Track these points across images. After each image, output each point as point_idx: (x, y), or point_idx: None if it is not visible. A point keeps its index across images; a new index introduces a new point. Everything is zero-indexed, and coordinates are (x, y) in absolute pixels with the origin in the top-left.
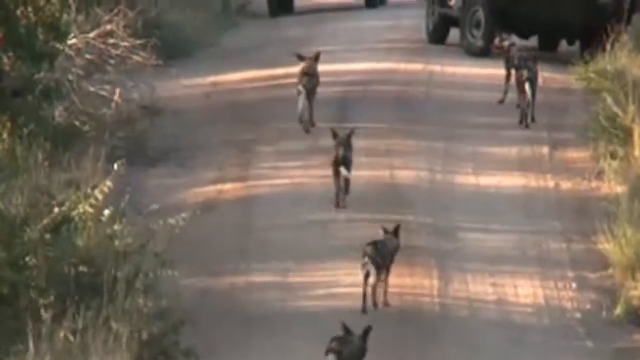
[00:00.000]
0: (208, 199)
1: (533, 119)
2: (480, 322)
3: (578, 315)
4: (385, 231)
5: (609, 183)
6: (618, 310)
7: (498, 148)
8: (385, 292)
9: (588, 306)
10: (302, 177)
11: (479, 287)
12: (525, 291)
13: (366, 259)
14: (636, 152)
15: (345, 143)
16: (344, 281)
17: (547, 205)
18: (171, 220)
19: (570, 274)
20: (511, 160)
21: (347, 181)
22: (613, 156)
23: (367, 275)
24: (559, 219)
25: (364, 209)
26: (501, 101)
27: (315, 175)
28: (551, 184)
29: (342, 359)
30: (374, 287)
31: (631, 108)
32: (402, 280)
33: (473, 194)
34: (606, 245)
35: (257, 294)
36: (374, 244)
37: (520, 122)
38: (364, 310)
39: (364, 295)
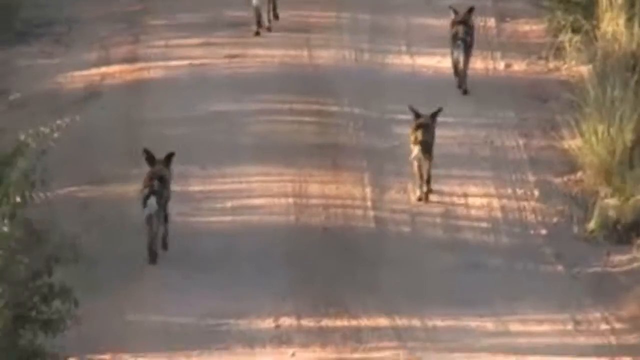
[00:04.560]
0: (90, 84)
1: None
2: (425, 242)
3: (544, 231)
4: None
5: (570, 63)
6: (592, 225)
7: (436, 20)
8: None
9: (555, 219)
10: (203, 57)
11: None
12: (477, 201)
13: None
14: (603, 25)
15: None
16: (256, 190)
17: (498, 91)
18: (44, 129)
19: (531, 178)
20: None
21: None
22: (574, 29)
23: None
24: (513, 108)
25: (278, 98)
26: None
27: (218, 55)
28: (501, 64)
29: (426, 148)
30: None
31: None
32: (327, 189)
33: (408, 77)
34: (572, 143)
35: None
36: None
37: None
38: None
39: None
